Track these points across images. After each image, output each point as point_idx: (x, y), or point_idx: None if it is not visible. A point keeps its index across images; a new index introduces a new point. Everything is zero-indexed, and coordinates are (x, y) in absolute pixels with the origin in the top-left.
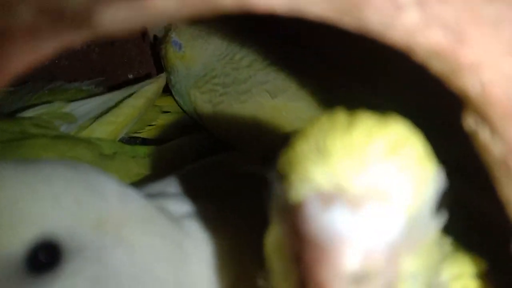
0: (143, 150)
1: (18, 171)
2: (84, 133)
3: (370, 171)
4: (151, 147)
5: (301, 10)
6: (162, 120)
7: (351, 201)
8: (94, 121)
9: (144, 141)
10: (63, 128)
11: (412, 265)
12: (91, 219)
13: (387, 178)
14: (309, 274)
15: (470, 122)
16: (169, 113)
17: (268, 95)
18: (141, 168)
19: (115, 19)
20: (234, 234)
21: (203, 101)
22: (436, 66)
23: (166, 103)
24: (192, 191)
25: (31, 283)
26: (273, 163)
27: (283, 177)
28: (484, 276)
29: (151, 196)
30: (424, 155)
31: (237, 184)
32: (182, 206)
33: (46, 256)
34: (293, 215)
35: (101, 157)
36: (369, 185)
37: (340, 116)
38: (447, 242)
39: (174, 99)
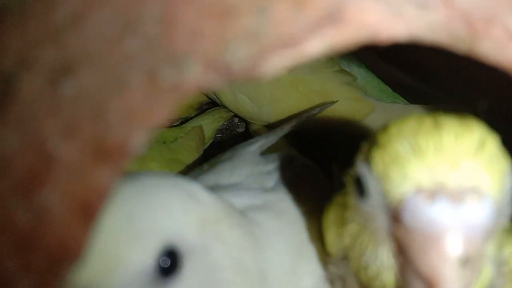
0: (169, 134)
1: (132, 188)
2: None
3: (462, 168)
4: (175, 130)
5: (420, 38)
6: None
7: (451, 196)
8: None
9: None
10: None
11: (491, 249)
12: (195, 222)
13: (478, 174)
14: (418, 261)
15: None
16: None
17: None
18: (173, 153)
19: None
20: (295, 221)
21: None
22: None
23: None
24: (244, 183)
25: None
26: (351, 162)
27: (379, 176)
28: None
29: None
30: (501, 152)
31: (291, 175)
32: (241, 198)
33: (167, 262)
34: (394, 211)
35: (166, 146)
36: (463, 181)
37: (427, 118)
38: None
39: None
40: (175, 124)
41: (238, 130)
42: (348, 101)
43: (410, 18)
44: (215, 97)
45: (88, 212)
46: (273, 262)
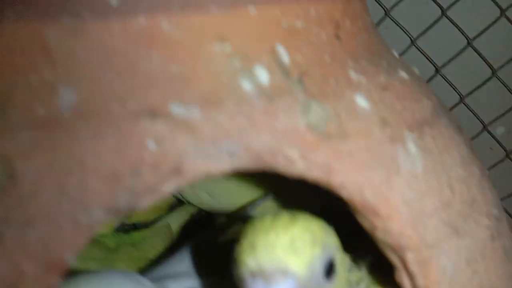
0: (137, 235)
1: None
2: None
3: (276, 258)
4: (144, 231)
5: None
6: None
7: (265, 276)
8: None
9: (134, 226)
10: None
11: None
12: None
13: (286, 261)
14: None
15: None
16: None
17: None
18: (140, 252)
19: None
20: None
21: None
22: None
23: None
24: (188, 270)
25: None
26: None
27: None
28: None
29: (157, 279)
30: (313, 243)
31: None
32: (181, 285)
33: None
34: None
35: (109, 252)
36: (276, 266)
37: (268, 219)
38: (359, 278)
39: None
40: (144, 225)
41: None
42: None
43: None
44: (180, 196)
45: None
46: None
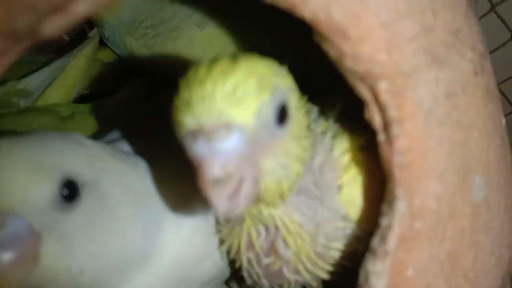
0: (95, 105)
1: (34, 137)
2: (40, 102)
3: (216, 111)
4: (102, 100)
5: None
6: (106, 71)
7: (206, 134)
8: (46, 89)
9: (93, 96)
10: (22, 103)
11: (269, 163)
12: (83, 160)
13: (228, 113)
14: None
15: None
16: (110, 64)
17: (197, 27)
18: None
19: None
20: (171, 164)
21: (139, 46)
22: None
23: (105, 55)
24: (134, 134)
25: (67, 212)
26: None
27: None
28: (364, 147)
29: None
30: (257, 89)
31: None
32: (127, 146)
33: (67, 192)
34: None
35: (62, 120)
36: (217, 121)
37: (204, 66)
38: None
39: (112, 50)
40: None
41: None
42: None
43: None
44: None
45: None
46: (150, 189)
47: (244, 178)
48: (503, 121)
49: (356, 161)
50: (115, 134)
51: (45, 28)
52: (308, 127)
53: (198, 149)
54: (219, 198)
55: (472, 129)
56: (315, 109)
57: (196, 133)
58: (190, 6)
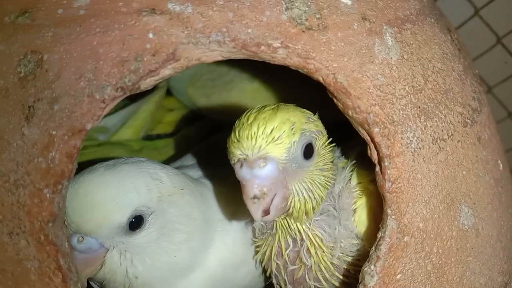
0: (160, 143)
1: (111, 172)
2: (115, 138)
3: (257, 147)
4: (166, 140)
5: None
6: (170, 117)
7: (249, 163)
8: (120, 128)
9: (159, 136)
10: (101, 137)
11: (297, 186)
12: (155, 196)
13: (265, 150)
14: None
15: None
16: (174, 111)
17: (247, 81)
18: (162, 156)
19: None
20: (228, 186)
21: (199, 95)
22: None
23: (171, 102)
24: (200, 163)
25: (131, 235)
26: None
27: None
28: (374, 181)
29: (177, 168)
30: (290, 132)
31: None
32: (196, 172)
33: (136, 221)
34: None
35: (132, 153)
36: (258, 155)
37: (254, 114)
38: (346, 163)
39: (176, 99)
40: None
41: None
42: None
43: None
44: (197, 110)
45: None
46: (215, 211)
47: (276, 195)
48: (501, 165)
49: (367, 190)
50: (186, 160)
51: (143, 84)
52: (332, 162)
53: (243, 173)
54: (257, 210)
55: (459, 168)
56: (339, 149)
57: (243, 162)
58: (241, 64)
